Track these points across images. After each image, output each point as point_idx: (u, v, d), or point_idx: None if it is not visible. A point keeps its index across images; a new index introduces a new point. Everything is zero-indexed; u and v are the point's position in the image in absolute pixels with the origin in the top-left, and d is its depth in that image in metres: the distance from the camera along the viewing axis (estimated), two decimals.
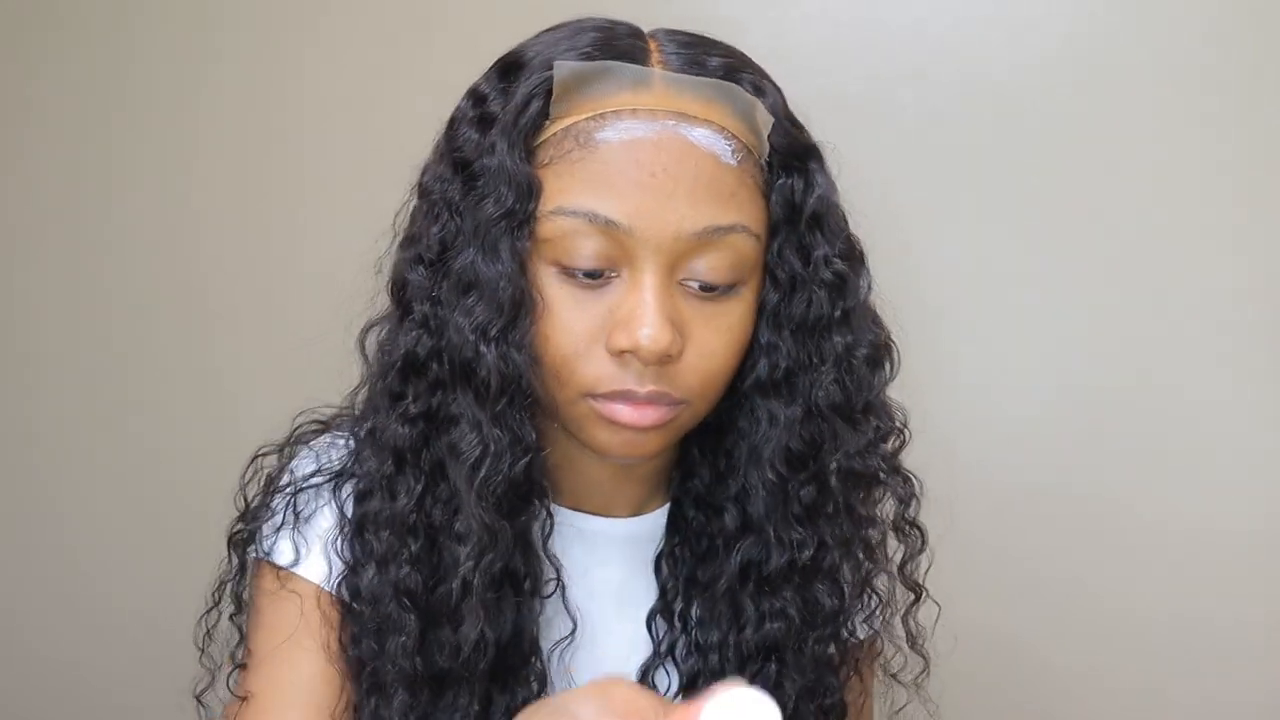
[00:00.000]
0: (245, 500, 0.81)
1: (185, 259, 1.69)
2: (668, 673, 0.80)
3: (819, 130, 1.54)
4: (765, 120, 0.71)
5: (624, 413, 0.69)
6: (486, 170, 0.69)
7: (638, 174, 0.67)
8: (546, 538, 0.76)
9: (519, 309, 0.69)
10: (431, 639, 0.73)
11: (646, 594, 0.81)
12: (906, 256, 1.49)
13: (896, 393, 1.60)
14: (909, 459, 0.83)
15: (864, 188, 1.50)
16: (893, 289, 1.50)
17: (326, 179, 1.60)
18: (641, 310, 0.67)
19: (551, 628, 0.78)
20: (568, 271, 0.69)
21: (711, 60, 0.71)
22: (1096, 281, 1.44)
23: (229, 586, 0.80)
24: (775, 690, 0.77)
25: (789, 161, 0.72)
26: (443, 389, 0.72)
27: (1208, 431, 1.43)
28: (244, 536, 0.80)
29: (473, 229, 0.70)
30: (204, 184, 1.67)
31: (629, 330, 0.67)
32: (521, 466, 0.71)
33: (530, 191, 0.68)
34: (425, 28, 1.57)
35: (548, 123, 0.69)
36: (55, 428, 1.78)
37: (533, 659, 0.76)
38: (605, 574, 0.81)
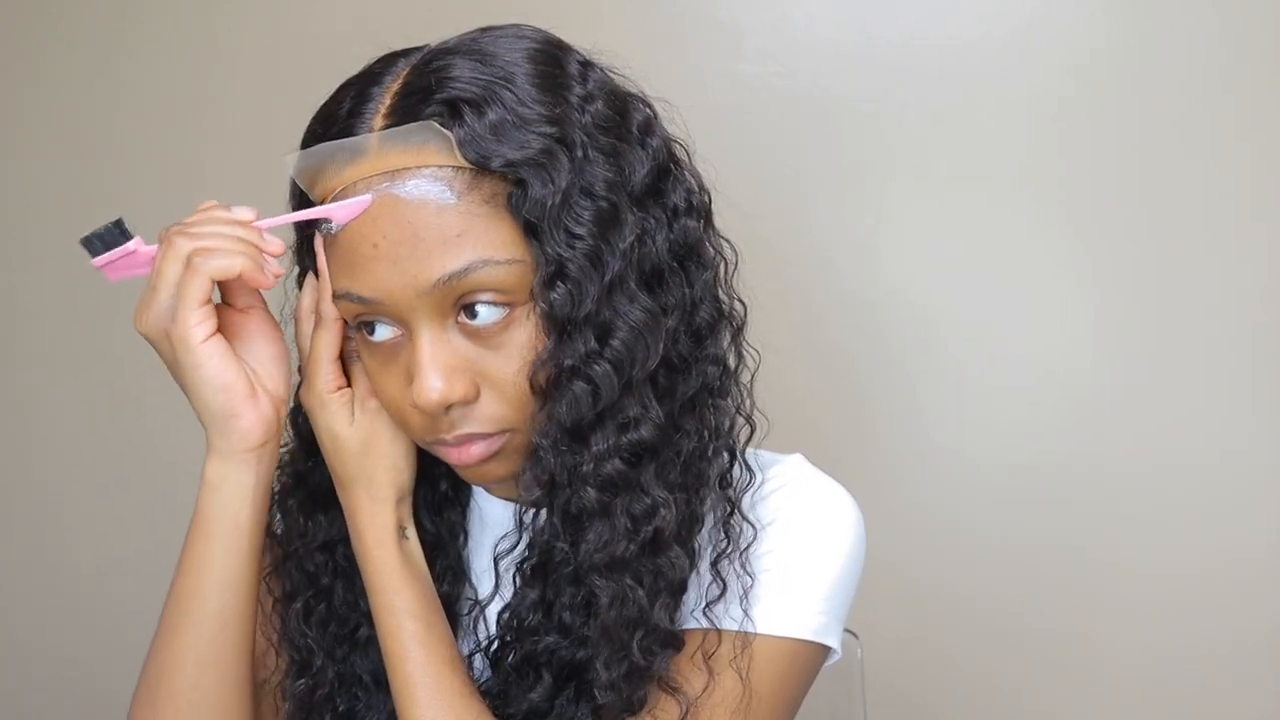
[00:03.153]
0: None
1: None
2: (474, 667, 0.79)
3: (817, 130, 1.53)
4: (459, 148, 0.67)
5: (450, 454, 0.72)
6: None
7: (365, 248, 0.68)
8: (462, 503, 0.84)
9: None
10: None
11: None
12: (905, 257, 1.49)
13: (897, 389, 1.60)
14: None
15: (863, 187, 1.51)
16: (891, 289, 1.52)
17: None
18: (415, 369, 0.69)
19: (477, 584, 0.83)
20: (365, 339, 0.72)
21: (441, 92, 0.67)
22: (1097, 282, 1.45)
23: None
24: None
25: (517, 172, 0.67)
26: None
27: (1207, 432, 1.44)
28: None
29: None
30: (206, 183, 1.68)
31: (412, 389, 0.69)
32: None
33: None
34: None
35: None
36: (55, 427, 1.79)
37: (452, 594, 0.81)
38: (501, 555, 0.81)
